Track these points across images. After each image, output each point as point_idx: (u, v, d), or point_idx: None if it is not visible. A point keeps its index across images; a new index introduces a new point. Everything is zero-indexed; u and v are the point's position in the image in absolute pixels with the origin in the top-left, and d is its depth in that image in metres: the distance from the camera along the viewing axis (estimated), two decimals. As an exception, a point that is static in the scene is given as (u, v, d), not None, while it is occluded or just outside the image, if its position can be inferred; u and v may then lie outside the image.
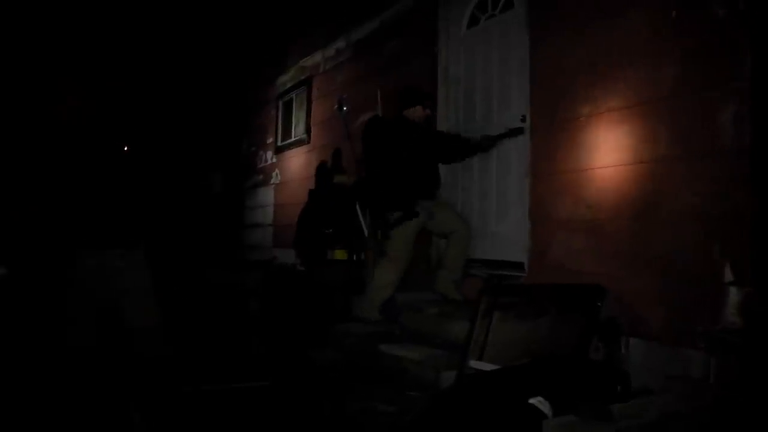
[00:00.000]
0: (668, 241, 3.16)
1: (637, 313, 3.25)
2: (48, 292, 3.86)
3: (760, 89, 2.80)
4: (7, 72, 7.66)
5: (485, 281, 4.41)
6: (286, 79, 8.59)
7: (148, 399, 3.23)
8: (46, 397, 3.18)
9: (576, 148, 3.78)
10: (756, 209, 2.78)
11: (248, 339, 5.27)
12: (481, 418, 2.39)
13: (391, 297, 4.47)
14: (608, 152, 3.55)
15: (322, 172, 6.08)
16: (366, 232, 5.04)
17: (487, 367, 3.09)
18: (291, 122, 8.43)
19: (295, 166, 8.06)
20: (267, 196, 8.89)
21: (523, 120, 4.24)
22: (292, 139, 8.26)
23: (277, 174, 8.63)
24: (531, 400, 2.36)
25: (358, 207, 5.12)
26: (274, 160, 8.78)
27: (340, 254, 5.48)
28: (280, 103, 8.77)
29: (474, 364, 3.21)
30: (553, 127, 3.96)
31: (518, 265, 4.22)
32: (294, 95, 8.37)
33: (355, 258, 5.38)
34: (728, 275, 2.83)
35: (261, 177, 9.21)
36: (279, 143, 8.68)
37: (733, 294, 2.81)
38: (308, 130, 7.72)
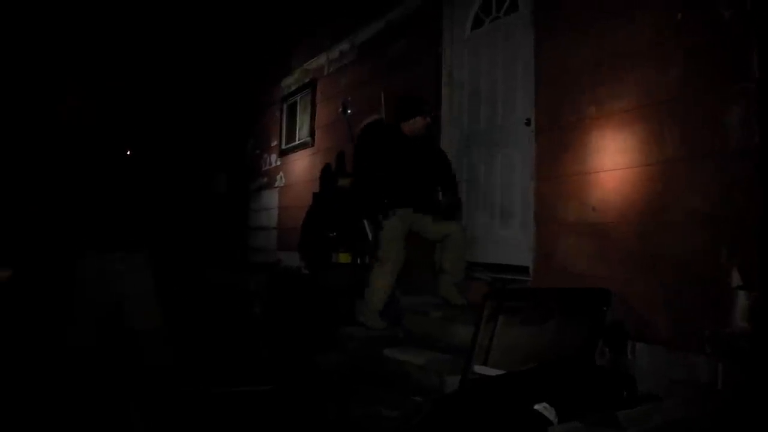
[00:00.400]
0: (675, 245, 3.13)
1: (643, 318, 3.22)
2: (50, 293, 3.87)
3: (767, 90, 2.77)
4: (10, 73, 7.69)
5: (490, 285, 4.39)
6: (290, 82, 8.59)
7: (150, 402, 3.22)
8: (47, 397, 3.17)
9: (582, 150, 3.75)
10: (764, 212, 2.75)
11: (252, 342, 5.26)
12: (485, 424, 2.37)
13: (393, 300, 4.46)
14: (614, 154, 3.52)
15: (327, 175, 6.07)
16: (370, 236, 5.02)
17: (491, 372, 3.06)
18: (295, 125, 8.43)
19: (299, 169, 8.06)
20: (271, 199, 8.89)
21: (528, 123, 4.21)
22: (297, 142, 8.25)
23: (281, 177, 8.62)
24: (536, 406, 2.34)
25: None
26: (279, 162, 8.78)
27: (344, 257, 5.46)
28: (285, 106, 8.77)
29: (478, 368, 3.19)
30: (558, 129, 3.94)
31: (523, 269, 4.19)
32: (298, 98, 8.37)
33: (359, 261, 5.36)
34: (736, 279, 2.80)
35: (265, 180, 9.21)
36: (283, 146, 8.68)
37: (741, 298, 2.77)
38: (312, 133, 7.72)
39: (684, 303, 3.05)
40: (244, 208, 9.81)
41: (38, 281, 4.26)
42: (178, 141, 9.35)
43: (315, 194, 6.14)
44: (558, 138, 3.93)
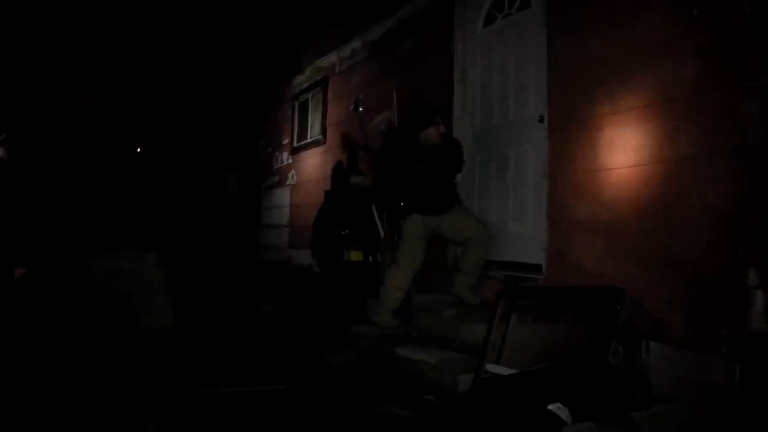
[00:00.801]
0: (690, 243, 3.09)
1: (657, 317, 3.18)
2: (62, 292, 3.89)
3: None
4: (24, 73, 7.75)
5: (502, 283, 4.37)
6: (302, 80, 8.60)
7: (161, 401, 3.22)
8: (57, 397, 3.19)
9: (595, 147, 3.72)
10: (782, 210, 2.71)
11: (264, 341, 5.27)
12: (498, 424, 2.35)
13: (407, 298, 4.45)
14: (628, 151, 3.49)
15: (339, 173, 6.06)
16: (382, 234, 5.01)
17: (504, 371, 3.05)
18: (307, 123, 8.43)
19: (311, 166, 8.06)
20: (283, 197, 8.90)
21: (541, 120, 4.18)
22: (308, 139, 8.25)
23: (293, 175, 8.63)
24: (549, 406, 2.32)
25: (374, 208, 5.10)
26: (290, 160, 8.78)
27: (356, 255, 5.45)
28: (296, 104, 8.77)
29: (491, 367, 3.19)
30: (571, 126, 3.90)
31: (536, 267, 4.16)
32: (310, 96, 8.37)
33: (371, 259, 5.35)
34: (753, 279, 2.76)
35: (277, 178, 9.22)
36: (295, 144, 8.68)
37: (759, 298, 2.73)
38: (324, 131, 7.71)
39: (699, 302, 3.01)
40: (256, 206, 9.82)
41: (51, 279, 4.29)
42: (189, 140, 9.39)
43: (327, 192, 6.14)
44: (571, 135, 3.90)
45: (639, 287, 3.24)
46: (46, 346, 3.82)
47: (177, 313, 3.29)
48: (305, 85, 8.47)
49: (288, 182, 8.75)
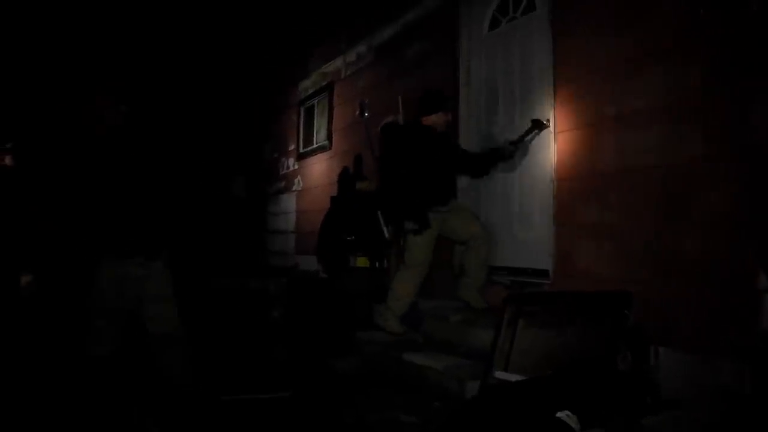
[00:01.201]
0: (698, 246, 3.06)
1: (666, 321, 3.15)
2: (69, 299, 3.88)
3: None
4: (32, 78, 7.79)
5: (509, 288, 4.34)
6: (307, 85, 8.60)
7: (167, 409, 3.21)
8: (64, 404, 3.18)
9: (602, 150, 3.69)
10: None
11: (270, 346, 5.25)
12: (506, 432, 2.33)
13: (413, 304, 4.43)
14: (634, 154, 3.46)
15: (345, 179, 6.06)
16: (386, 234, 4.99)
17: (512, 377, 3.02)
18: (313, 128, 8.43)
19: (317, 172, 8.06)
20: (289, 202, 8.90)
21: (548, 123, 4.16)
22: (314, 145, 8.26)
23: (299, 180, 8.63)
24: (558, 414, 2.29)
25: (379, 214, 5.08)
26: (296, 166, 8.79)
27: (362, 261, 5.44)
28: (302, 109, 8.78)
29: (499, 374, 3.15)
30: (578, 129, 3.88)
31: (542, 272, 4.13)
32: (315, 101, 8.38)
33: (377, 265, 5.34)
34: (763, 282, 2.73)
35: (283, 183, 9.23)
36: (301, 149, 8.69)
37: (769, 302, 2.70)
38: (330, 137, 7.71)
39: (709, 306, 2.98)
40: (263, 212, 9.84)
41: (58, 286, 4.29)
42: (196, 145, 9.40)
43: (333, 198, 6.13)
44: (577, 138, 3.88)
45: (647, 291, 3.20)
46: (54, 355, 3.82)
47: (184, 319, 3.27)
48: (311, 90, 8.48)
49: (294, 188, 8.76)
